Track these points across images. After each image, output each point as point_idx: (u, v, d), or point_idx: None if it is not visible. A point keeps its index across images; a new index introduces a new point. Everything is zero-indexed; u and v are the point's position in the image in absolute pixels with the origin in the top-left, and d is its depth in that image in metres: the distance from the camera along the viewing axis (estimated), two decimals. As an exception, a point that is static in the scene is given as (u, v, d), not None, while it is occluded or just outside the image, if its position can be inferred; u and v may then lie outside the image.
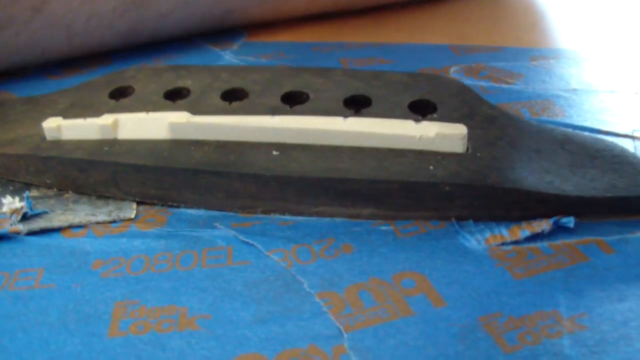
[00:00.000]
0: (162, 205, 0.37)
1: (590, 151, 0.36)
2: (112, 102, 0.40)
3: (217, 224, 0.35)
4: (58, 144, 0.37)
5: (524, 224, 0.33)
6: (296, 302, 0.29)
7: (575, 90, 0.50)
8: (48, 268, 0.32)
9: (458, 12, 0.73)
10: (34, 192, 0.37)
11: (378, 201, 0.34)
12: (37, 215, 0.35)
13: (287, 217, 0.35)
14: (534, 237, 0.33)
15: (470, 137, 0.35)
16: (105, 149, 0.37)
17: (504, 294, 0.30)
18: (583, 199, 0.33)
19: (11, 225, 0.35)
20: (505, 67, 0.55)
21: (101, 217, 0.35)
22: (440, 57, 0.58)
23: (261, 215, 0.35)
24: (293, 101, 0.39)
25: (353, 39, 0.64)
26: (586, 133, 0.40)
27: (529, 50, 0.59)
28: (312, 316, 0.29)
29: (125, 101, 0.40)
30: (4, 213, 0.35)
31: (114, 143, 0.37)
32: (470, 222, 0.34)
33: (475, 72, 0.54)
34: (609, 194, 0.33)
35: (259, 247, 0.33)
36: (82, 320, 0.29)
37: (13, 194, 0.37)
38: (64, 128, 0.38)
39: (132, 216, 0.36)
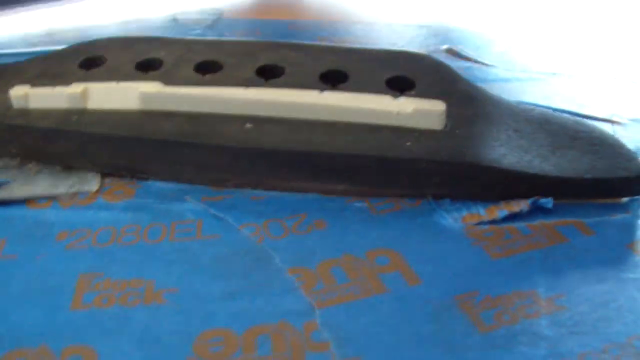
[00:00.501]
0: (131, 177, 0.36)
1: (569, 132, 0.36)
2: (82, 72, 0.39)
3: (187, 197, 0.34)
4: (25, 112, 0.36)
5: (502, 204, 0.33)
6: (267, 278, 0.29)
7: (555, 73, 0.50)
8: (10, 239, 0.31)
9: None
10: (-5, 163, 0.36)
11: (353, 177, 0.33)
12: (-3, 186, 0.34)
13: (259, 191, 0.35)
14: (512, 217, 0.32)
15: (449, 114, 0.34)
16: (74, 118, 0.35)
17: (481, 273, 0.29)
18: (562, 179, 0.33)
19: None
20: (485, 48, 0.55)
21: (62, 189, 0.34)
22: (419, 36, 0.57)
23: (232, 189, 0.35)
24: (268, 75, 0.38)
25: (330, 17, 0.63)
26: (565, 115, 0.39)
27: (509, 33, 0.59)
28: (283, 292, 0.28)
29: (95, 71, 0.39)
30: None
31: (83, 113, 0.36)
32: (447, 200, 0.33)
33: (455, 52, 0.54)
34: (588, 175, 0.33)
35: (230, 221, 0.32)
36: (45, 292, 0.28)
37: (-26, 164, 0.36)
38: (31, 96, 0.36)
39: (95, 189, 0.35)
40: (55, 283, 0.28)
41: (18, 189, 0.34)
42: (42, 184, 0.35)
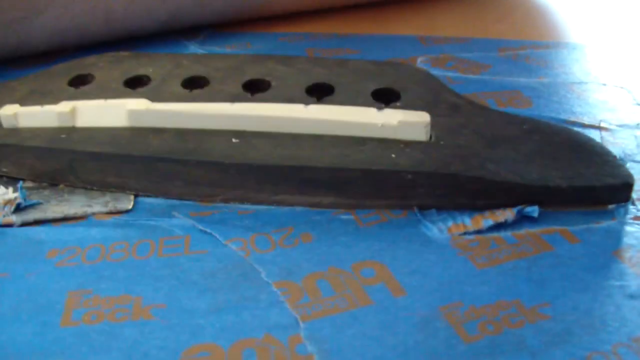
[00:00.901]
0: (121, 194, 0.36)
1: (556, 140, 0.36)
2: (72, 89, 0.40)
3: (176, 213, 0.34)
4: (15, 131, 0.37)
5: (487, 213, 0.33)
6: (253, 292, 0.29)
7: (542, 81, 0.50)
8: (2, 257, 0.31)
9: (426, 3, 0.73)
10: (28, 183, 0.36)
11: (339, 189, 0.34)
12: (31, 206, 0.34)
13: (247, 205, 0.35)
14: (498, 227, 0.32)
15: (434, 125, 0.35)
16: (63, 136, 0.36)
17: (466, 283, 0.29)
18: (548, 187, 0.33)
19: (4, 216, 0.34)
20: (472, 58, 0.55)
21: (97, 208, 0.35)
22: (407, 47, 0.58)
23: (220, 204, 0.35)
24: (255, 89, 0.38)
25: (320, 29, 0.63)
26: (552, 123, 0.40)
27: (497, 42, 0.59)
28: (269, 306, 0.28)
29: (84, 89, 0.40)
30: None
31: (72, 131, 0.36)
32: (433, 210, 0.34)
33: (443, 62, 0.54)
34: (574, 183, 0.33)
35: (217, 236, 0.32)
36: (35, 310, 0.28)
37: (6, 184, 0.36)
38: (21, 115, 0.37)
39: (130, 207, 0.35)
40: (46, 300, 0.29)
41: (51, 209, 0.34)
42: (75, 204, 0.35)
